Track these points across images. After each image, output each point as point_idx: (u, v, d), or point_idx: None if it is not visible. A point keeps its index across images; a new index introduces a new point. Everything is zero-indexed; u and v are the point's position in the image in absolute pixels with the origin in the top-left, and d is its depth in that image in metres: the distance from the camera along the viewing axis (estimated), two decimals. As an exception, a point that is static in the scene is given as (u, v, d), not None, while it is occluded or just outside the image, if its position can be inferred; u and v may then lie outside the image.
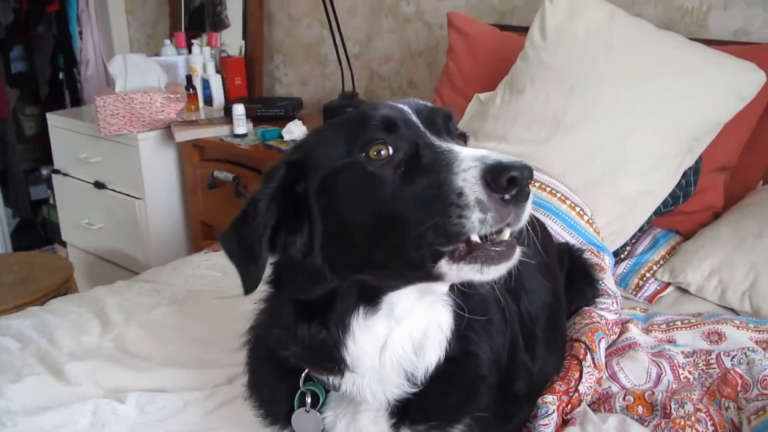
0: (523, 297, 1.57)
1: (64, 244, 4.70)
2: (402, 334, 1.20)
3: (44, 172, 5.47)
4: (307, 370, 1.29)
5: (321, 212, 1.17)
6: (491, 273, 1.05)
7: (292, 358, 1.27)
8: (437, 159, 1.06)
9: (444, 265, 1.05)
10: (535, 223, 1.89)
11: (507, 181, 0.98)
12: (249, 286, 1.21)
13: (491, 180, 0.99)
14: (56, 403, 1.75)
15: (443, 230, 1.01)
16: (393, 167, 1.10)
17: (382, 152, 1.10)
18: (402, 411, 1.27)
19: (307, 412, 1.30)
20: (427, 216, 1.03)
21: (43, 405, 1.74)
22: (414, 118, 1.15)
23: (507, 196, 0.99)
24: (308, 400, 1.30)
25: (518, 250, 1.06)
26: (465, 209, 0.99)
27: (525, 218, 1.04)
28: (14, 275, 3.47)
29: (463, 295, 1.26)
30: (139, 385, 1.84)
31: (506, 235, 1.05)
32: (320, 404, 1.31)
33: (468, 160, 1.02)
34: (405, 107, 1.18)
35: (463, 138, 1.22)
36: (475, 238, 1.03)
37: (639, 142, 2.32)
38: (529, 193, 1.02)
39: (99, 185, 4.09)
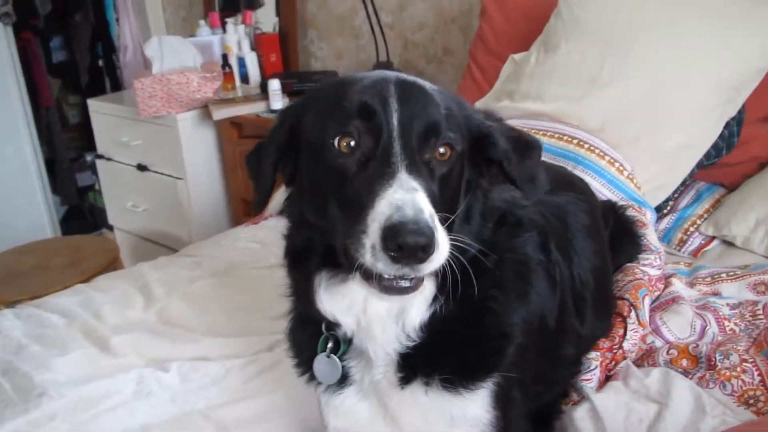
0: (574, 261, 1.55)
1: (111, 229, 4.78)
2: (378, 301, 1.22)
3: (89, 158, 5.56)
4: None
5: (305, 166, 1.23)
6: (386, 300, 1.18)
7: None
8: (377, 180, 1.08)
9: (358, 277, 1.13)
10: (582, 184, 1.89)
11: (396, 245, 1.00)
12: (258, 201, 1.33)
13: (385, 237, 1.01)
14: (101, 374, 1.79)
15: (347, 251, 1.08)
16: (352, 162, 1.13)
17: (350, 143, 1.14)
18: (412, 365, 1.27)
19: (328, 357, 1.32)
20: (345, 227, 1.10)
21: (88, 376, 1.78)
22: (393, 115, 1.13)
23: (394, 254, 1.01)
24: (329, 345, 1.32)
25: (411, 293, 1.11)
26: (361, 247, 1.05)
27: (428, 270, 1.05)
28: (63, 258, 3.54)
29: (493, 256, 1.26)
30: (182, 354, 1.87)
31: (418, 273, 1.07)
32: (341, 352, 1.32)
33: (385, 206, 1.03)
34: (389, 92, 1.15)
35: (448, 145, 1.16)
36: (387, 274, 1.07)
37: (678, 94, 2.26)
38: (422, 259, 1.02)
39: (141, 167, 4.15)
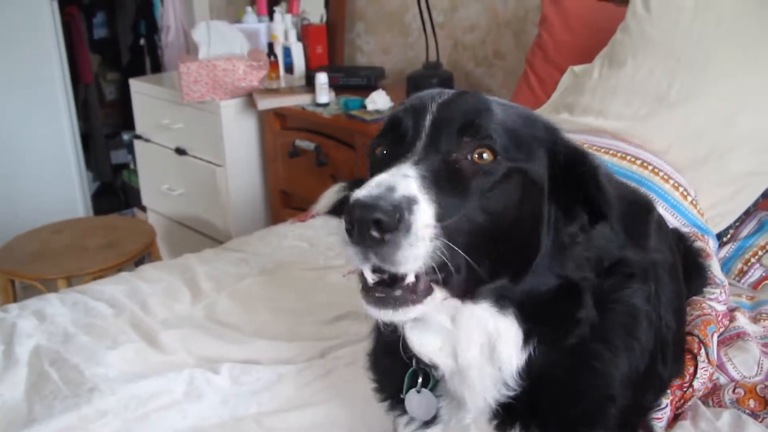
0: (662, 300, 1.46)
1: (143, 209, 4.77)
2: (465, 341, 1.14)
3: (125, 137, 5.56)
4: None
5: None
6: (376, 315, 1.02)
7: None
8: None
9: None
10: (663, 221, 1.82)
11: (349, 220, 0.93)
12: None
13: (345, 213, 0.94)
14: (152, 371, 1.75)
15: None
16: (383, 166, 1.07)
17: (384, 152, 1.14)
18: (508, 413, 1.21)
19: (419, 392, 1.25)
20: None
21: (139, 373, 1.75)
22: (426, 117, 1.09)
23: (350, 233, 0.94)
24: (420, 380, 1.25)
25: (403, 306, 1.00)
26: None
27: (400, 262, 0.94)
28: (98, 238, 3.52)
29: (600, 305, 1.19)
30: (232, 355, 1.84)
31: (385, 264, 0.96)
32: (430, 386, 1.25)
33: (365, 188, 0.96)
34: (435, 99, 1.12)
35: (489, 147, 1.07)
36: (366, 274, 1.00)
37: (750, 119, 2.19)
38: (378, 239, 0.92)
39: (180, 151, 4.11)
